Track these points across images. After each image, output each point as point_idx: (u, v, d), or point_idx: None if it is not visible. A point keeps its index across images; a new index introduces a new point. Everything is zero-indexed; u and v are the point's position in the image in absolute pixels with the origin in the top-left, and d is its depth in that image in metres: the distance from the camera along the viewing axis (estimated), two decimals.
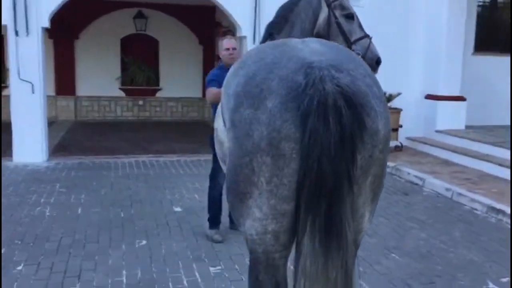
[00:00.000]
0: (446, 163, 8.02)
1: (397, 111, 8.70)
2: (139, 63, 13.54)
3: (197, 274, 4.02)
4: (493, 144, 7.88)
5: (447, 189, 6.45)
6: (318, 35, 3.12)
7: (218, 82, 4.54)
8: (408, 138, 9.22)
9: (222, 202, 4.80)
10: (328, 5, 3.10)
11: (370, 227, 2.18)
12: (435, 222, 5.41)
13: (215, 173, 4.75)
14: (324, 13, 3.10)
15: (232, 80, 2.01)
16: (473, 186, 6.52)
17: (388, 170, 7.15)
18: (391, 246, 4.67)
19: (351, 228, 1.72)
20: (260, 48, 2.10)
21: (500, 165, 7.14)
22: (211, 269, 4.12)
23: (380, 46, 3.19)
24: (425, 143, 8.95)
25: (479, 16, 10.53)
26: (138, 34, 13.38)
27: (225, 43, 4.69)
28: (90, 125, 12.75)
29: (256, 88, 1.81)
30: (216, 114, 2.41)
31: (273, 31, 3.02)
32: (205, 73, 13.92)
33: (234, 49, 4.67)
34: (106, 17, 12.93)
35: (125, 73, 13.61)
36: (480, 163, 7.51)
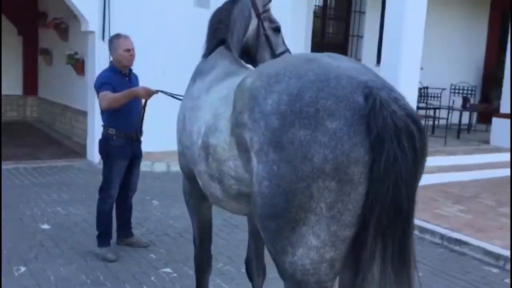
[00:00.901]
0: None
1: None
2: None
3: None
4: None
5: None
6: (247, 45, 3.09)
7: (112, 86, 4.14)
8: None
9: (112, 217, 4.40)
10: (258, 16, 3.09)
11: None
12: None
13: (108, 185, 4.31)
14: (253, 23, 3.13)
15: (262, 95, 1.84)
16: None
17: None
18: None
19: (414, 255, 1.73)
20: (287, 62, 1.95)
21: None
22: None
23: None
24: None
25: None
26: None
27: (125, 43, 4.26)
28: None
29: (309, 108, 1.69)
30: (209, 129, 2.19)
31: (224, 37, 2.89)
32: (26, 67, 12.50)
33: (133, 49, 4.30)
34: None
35: None
36: None
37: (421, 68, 7.26)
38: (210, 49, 2.94)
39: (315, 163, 1.66)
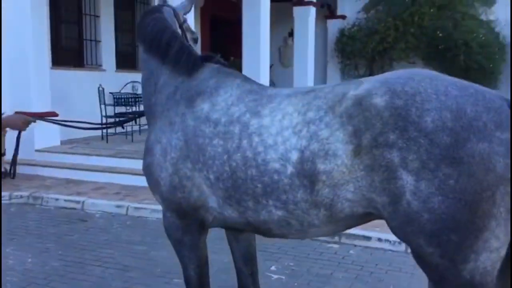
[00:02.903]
0: (73, 181, 7.65)
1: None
2: None
3: None
4: (99, 155, 8.17)
5: (118, 206, 6.33)
6: None
7: None
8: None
9: None
10: (180, 27, 2.92)
11: None
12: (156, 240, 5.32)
13: None
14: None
15: (415, 113, 1.84)
16: (130, 198, 6.65)
17: (22, 200, 6.38)
18: None
19: None
20: (410, 78, 1.96)
21: (124, 173, 7.48)
22: None
23: None
24: (32, 165, 8.11)
25: None
26: None
27: None
28: None
29: (477, 122, 1.80)
30: (314, 154, 1.96)
31: (207, 54, 2.67)
32: None
33: None
34: None
35: None
36: (103, 175, 7.60)
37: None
38: (191, 66, 2.54)
39: (498, 172, 1.78)
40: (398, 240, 5.03)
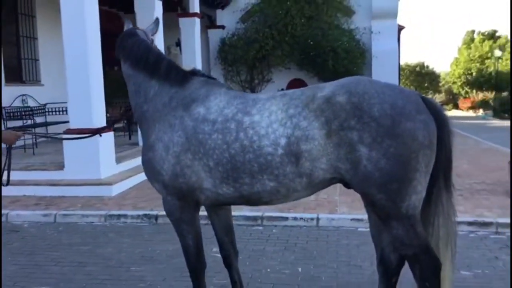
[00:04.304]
0: None
1: None
2: None
3: None
4: None
5: (45, 215, 6.53)
6: None
7: None
8: None
9: None
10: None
11: None
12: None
13: None
14: None
15: (366, 106, 2.70)
16: (53, 207, 6.88)
17: None
18: None
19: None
20: (359, 83, 2.82)
21: (37, 185, 7.64)
22: None
23: None
24: None
25: None
26: None
27: None
28: None
29: (405, 109, 2.69)
30: (298, 139, 2.76)
31: (192, 69, 3.31)
32: None
33: None
34: None
35: None
36: (15, 189, 7.58)
37: None
38: (181, 79, 3.19)
39: (420, 141, 2.67)
40: (311, 217, 6.12)
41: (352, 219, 5.97)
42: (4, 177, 3.67)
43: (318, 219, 6.08)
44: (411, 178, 2.69)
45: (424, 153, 2.70)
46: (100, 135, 4.21)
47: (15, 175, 8.46)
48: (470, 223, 5.74)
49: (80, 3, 7.48)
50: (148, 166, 3.17)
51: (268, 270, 4.63)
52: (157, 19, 3.79)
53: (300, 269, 4.62)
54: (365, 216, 3.38)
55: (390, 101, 2.70)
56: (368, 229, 3.34)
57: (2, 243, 5.59)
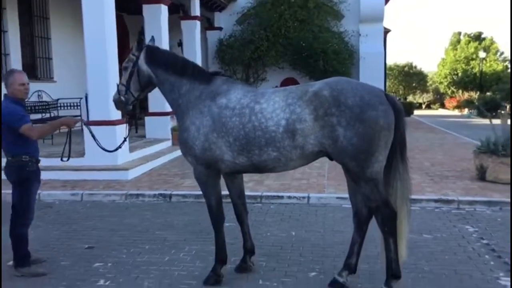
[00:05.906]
0: None
1: None
2: None
3: None
4: None
5: (73, 194, 7.55)
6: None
7: (26, 116, 4.38)
8: None
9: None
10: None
11: None
12: None
13: (27, 208, 4.46)
14: None
15: (342, 98, 3.69)
16: (78, 188, 7.86)
17: None
18: None
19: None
20: (335, 82, 3.83)
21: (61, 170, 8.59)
22: None
23: None
24: None
25: None
26: None
27: (20, 78, 4.45)
28: None
29: (370, 101, 3.69)
30: (295, 120, 3.80)
31: (215, 70, 4.33)
32: None
33: (28, 83, 4.51)
34: None
35: None
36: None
37: None
38: (207, 78, 4.23)
39: (380, 124, 3.67)
40: (303, 195, 7.21)
41: (337, 197, 7.06)
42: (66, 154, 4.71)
43: (309, 197, 7.17)
44: (374, 151, 3.72)
45: (384, 134, 3.72)
46: (121, 147, 5.25)
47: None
48: (436, 200, 6.86)
49: (100, 7, 8.49)
50: (184, 143, 4.21)
51: (268, 234, 5.71)
52: (152, 37, 4.67)
53: (293, 233, 5.70)
54: (348, 195, 4.46)
55: (360, 95, 3.74)
56: (350, 206, 4.32)
57: (40, 215, 6.62)
